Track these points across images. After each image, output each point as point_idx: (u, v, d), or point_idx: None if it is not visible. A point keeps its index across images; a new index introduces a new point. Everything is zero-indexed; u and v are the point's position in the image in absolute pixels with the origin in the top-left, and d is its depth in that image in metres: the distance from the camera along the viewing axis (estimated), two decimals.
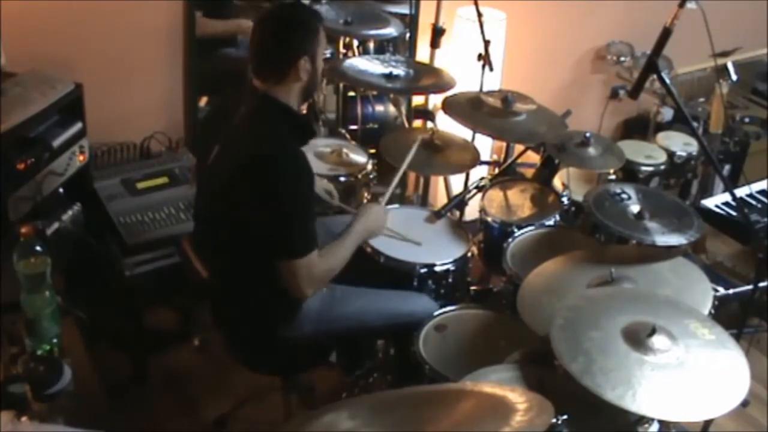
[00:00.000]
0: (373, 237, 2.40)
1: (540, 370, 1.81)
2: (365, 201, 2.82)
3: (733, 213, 2.94)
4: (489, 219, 2.68)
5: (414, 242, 2.48)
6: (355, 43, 3.44)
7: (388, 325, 2.27)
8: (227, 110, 2.23)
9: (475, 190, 2.81)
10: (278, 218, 1.99)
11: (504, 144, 3.46)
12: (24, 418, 1.58)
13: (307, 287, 2.05)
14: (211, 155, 2.21)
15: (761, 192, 3.09)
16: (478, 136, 3.06)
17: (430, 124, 3.51)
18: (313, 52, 2.06)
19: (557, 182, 2.98)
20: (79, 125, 2.60)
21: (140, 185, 2.87)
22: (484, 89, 3.05)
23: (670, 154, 3.23)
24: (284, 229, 2.00)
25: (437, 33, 3.43)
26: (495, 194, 2.81)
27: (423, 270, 2.38)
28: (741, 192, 3.03)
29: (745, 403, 2.34)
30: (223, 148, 2.17)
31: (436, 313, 2.26)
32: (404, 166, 2.62)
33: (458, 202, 2.80)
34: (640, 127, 4.01)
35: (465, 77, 3.14)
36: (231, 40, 3.25)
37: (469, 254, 2.50)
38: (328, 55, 3.32)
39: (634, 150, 3.16)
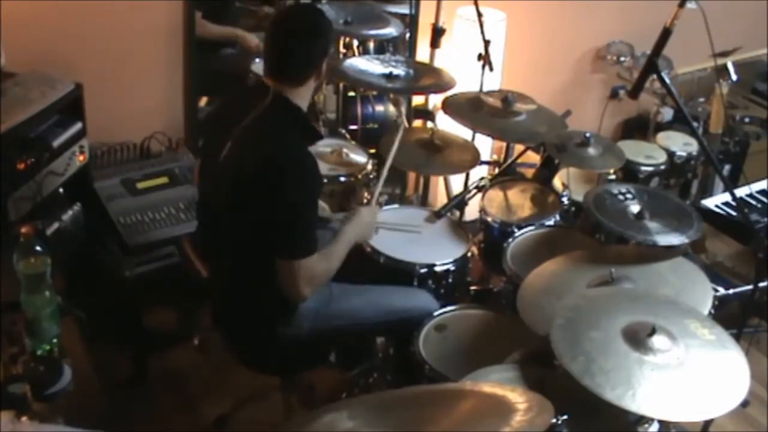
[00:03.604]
0: (365, 239, 2.39)
1: (540, 370, 1.81)
2: (365, 201, 2.81)
3: (733, 213, 2.93)
4: (489, 219, 2.68)
5: (413, 231, 2.49)
6: (355, 43, 3.44)
7: (387, 321, 2.27)
8: (230, 109, 2.22)
9: (475, 190, 2.81)
10: (284, 219, 1.99)
11: (504, 144, 3.46)
12: (24, 418, 1.58)
13: (304, 287, 2.05)
14: (213, 154, 2.19)
15: (761, 192, 3.09)
16: (478, 136, 3.06)
17: (430, 124, 3.51)
18: (329, 54, 2.11)
19: (557, 182, 2.98)
20: (79, 125, 2.59)
21: (140, 185, 2.87)
22: (484, 89, 3.05)
23: (670, 154, 3.23)
24: (288, 230, 2.01)
25: (437, 33, 3.43)
26: (495, 194, 2.81)
27: (423, 270, 2.38)
28: (741, 192, 3.03)
29: (745, 403, 2.35)
30: (234, 146, 2.11)
31: (436, 313, 2.26)
32: (390, 157, 2.59)
33: (458, 202, 2.80)
34: (640, 127, 4.01)
35: (465, 77, 3.14)
36: (231, 41, 3.25)
37: (469, 254, 2.50)
38: None
39: (634, 150, 3.16)
